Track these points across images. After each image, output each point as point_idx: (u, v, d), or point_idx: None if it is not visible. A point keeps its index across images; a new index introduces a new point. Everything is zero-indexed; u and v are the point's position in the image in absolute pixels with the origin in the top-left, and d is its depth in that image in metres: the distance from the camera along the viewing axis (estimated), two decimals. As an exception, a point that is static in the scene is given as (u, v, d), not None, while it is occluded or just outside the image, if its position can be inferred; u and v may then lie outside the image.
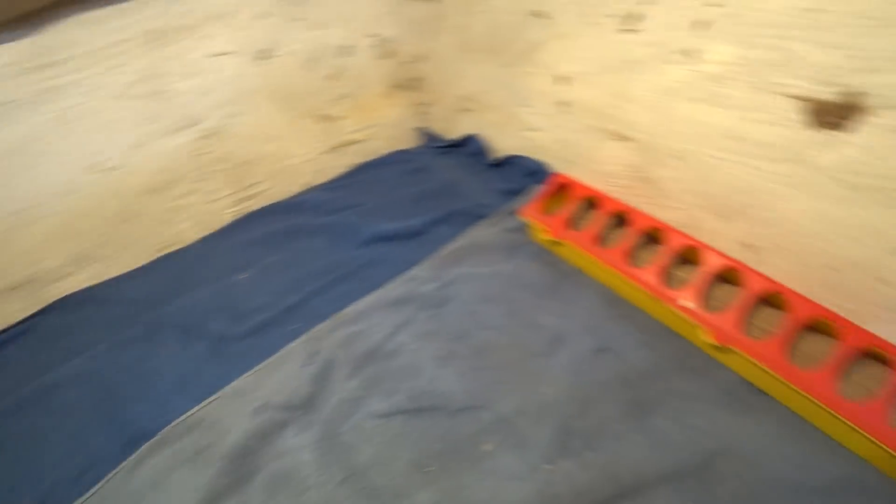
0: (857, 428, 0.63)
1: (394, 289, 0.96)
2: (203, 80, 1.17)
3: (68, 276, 1.22)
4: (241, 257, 1.16)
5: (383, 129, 1.43)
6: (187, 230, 1.30)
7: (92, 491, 0.80)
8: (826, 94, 0.69)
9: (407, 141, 1.46)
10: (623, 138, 0.97)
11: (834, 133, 0.70)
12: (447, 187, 1.21)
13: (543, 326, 0.85)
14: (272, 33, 1.20)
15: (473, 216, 1.09)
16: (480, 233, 1.05)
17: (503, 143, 1.28)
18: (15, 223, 1.12)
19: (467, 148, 1.32)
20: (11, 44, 0.98)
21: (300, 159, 1.36)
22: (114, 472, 0.82)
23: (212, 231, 1.29)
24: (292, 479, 0.74)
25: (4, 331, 1.17)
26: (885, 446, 0.61)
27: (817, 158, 0.72)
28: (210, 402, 0.87)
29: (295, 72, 1.26)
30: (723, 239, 0.88)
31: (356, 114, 1.39)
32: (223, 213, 1.31)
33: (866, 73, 0.64)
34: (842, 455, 0.67)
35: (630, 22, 0.87)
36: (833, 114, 0.70)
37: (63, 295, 1.20)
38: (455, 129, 1.41)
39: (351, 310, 0.94)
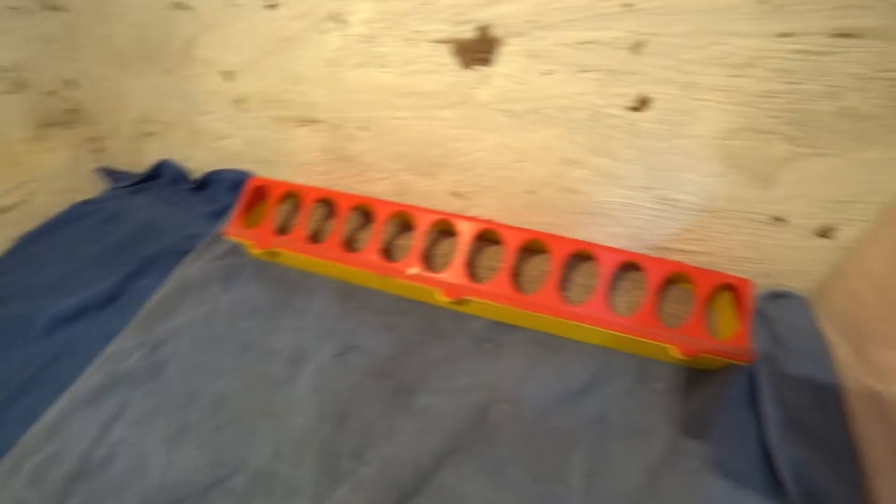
0: (589, 326, 0.68)
1: (90, 378, 0.76)
2: None
3: None
4: None
5: (45, 182, 1.13)
6: None
7: None
8: (464, 32, 0.70)
9: (86, 189, 1.19)
10: (308, 122, 0.90)
11: (484, 69, 0.71)
12: (144, 230, 1.01)
13: (279, 351, 0.75)
14: None
15: (177, 254, 0.92)
16: (187, 271, 0.89)
17: (198, 160, 1.11)
18: None
19: (162, 178, 1.12)
20: None
21: None
22: None
23: None
24: None
25: None
26: (615, 332, 0.68)
27: (479, 96, 0.74)
28: None
29: None
30: (435, 195, 0.88)
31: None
32: None
33: (488, 5, 0.66)
34: (589, 352, 0.73)
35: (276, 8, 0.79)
36: (476, 50, 0.71)
37: None
38: (142, 160, 1.19)
39: (37, 430, 0.72)
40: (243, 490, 0.64)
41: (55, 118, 1.14)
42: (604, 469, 0.63)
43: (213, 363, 0.76)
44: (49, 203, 1.15)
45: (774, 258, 0.74)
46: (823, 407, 0.65)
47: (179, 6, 0.88)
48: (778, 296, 0.76)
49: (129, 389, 0.75)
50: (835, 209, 0.66)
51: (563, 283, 0.76)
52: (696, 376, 0.70)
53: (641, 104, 0.67)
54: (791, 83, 0.58)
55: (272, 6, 0.80)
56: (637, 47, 0.63)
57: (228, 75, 0.92)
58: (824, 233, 0.70)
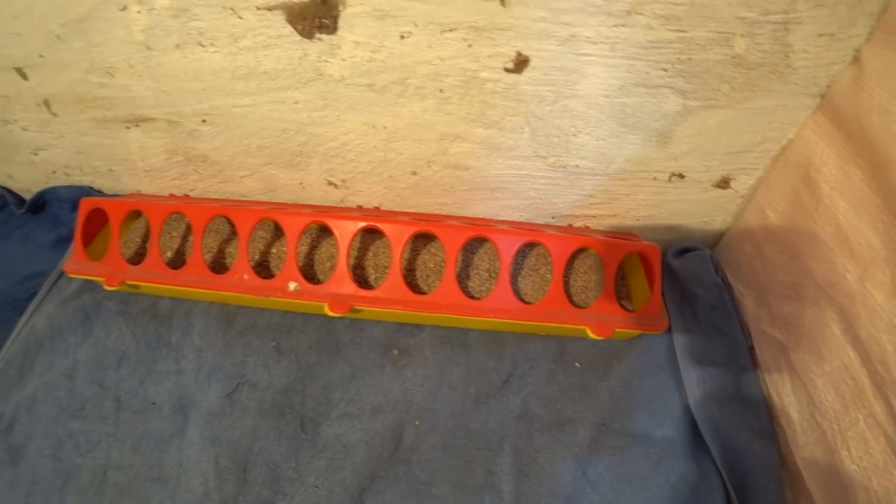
0: (495, 319, 0.63)
1: None
2: None
3: None
4: None
5: None
6: None
7: None
8: (291, -6, 0.55)
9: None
10: (138, 121, 0.74)
11: (329, 37, 0.58)
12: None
13: (161, 402, 0.66)
14: None
15: (20, 302, 0.77)
16: (34, 322, 0.74)
17: (21, 179, 0.91)
18: None
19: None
20: None
21: None
22: None
23: None
24: None
25: None
26: (524, 321, 0.63)
27: (329, 70, 0.62)
28: None
29: None
30: (309, 187, 0.78)
31: None
32: None
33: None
34: (502, 342, 0.69)
35: None
36: (315, 14, 0.58)
37: None
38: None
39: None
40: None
41: None
42: (533, 468, 0.60)
43: (86, 431, 0.65)
44: None
45: (678, 213, 0.70)
46: (735, 361, 0.65)
47: None
48: (685, 250, 0.73)
49: None
50: (730, 160, 0.62)
51: (465, 273, 0.69)
52: (615, 348, 0.68)
53: (519, 65, 0.57)
54: (678, 31, 0.50)
55: None
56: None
57: (18, 72, 0.72)
58: (722, 184, 0.65)
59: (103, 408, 0.67)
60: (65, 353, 0.72)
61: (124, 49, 0.66)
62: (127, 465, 0.63)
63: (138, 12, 0.61)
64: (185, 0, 0.59)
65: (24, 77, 0.73)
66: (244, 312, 0.73)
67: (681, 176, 0.65)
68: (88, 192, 0.87)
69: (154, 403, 0.67)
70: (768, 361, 0.62)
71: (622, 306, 0.64)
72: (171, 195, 0.83)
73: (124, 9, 0.62)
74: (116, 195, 0.86)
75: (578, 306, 0.65)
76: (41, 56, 0.69)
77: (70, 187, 0.88)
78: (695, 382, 0.63)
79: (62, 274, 0.78)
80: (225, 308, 0.73)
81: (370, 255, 0.73)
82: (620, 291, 0.70)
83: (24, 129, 0.81)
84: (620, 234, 0.73)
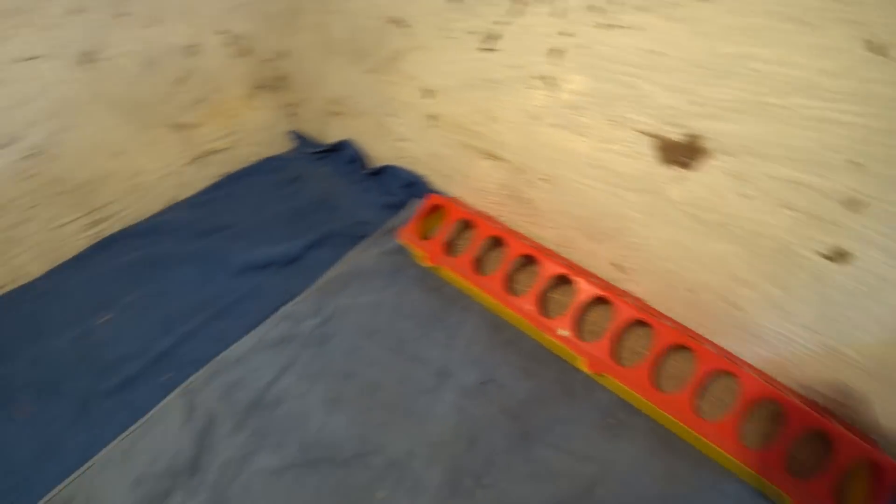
0: (711, 444, 0.72)
1: (273, 327, 0.92)
2: (15, 90, 0.99)
3: None
4: (100, 294, 1.05)
5: (249, 134, 1.31)
6: (28, 263, 1.13)
7: None
8: (672, 133, 0.73)
9: (278, 146, 1.36)
10: (493, 157, 0.97)
11: (682, 171, 0.75)
12: (323, 201, 1.16)
13: (428, 360, 0.86)
14: (93, 32, 1.02)
15: (353, 237, 1.06)
16: (360, 257, 1.02)
17: (377, 150, 1.24)
18: None
19: (342, 154, 1.26)
20: None
21: (156, 174, 1.22)
22: None
23: (60, 262, 1.13)
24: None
25: None
26: (736, 461, 0.70)
27: (669, 192, 0.78)
28: (81, 474, 0.80)
29: (133, 76, 1.10)
30: (596, 259, 0.94)
31: (215, 120, 1.26)
32: (72, 239, 1.16)
33: (705, 118, 0.68)
34: (704, 464, 0.76)
35: (490, 41, 0.85)
36: (680, 153, 0.75)
37: None
38: (327, 133, 1.34)
39: (229, 354, 0.90)
40: (379, 471, 0.76)
41: (265, 82, 1.31)
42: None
43: (371, 351, 0.89)
44: (248, 153, 1.34)
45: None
46: None
47: (397, 23, 0.97)
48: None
49: (301, 348, 0.90)
50: None
51: (700, 391, 0.79)
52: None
53: (838, 256, 0.68)
54: None
55: (488, 49, 0.86)
56: (853, 205, 0.63)
57: (427, 93, 1.01)
58: None
59: (387, 342, 0.90)
60: (374, 289, 0.97)
61: (513, 110, 0.89)
62: (390, 390, 0.85)
63: (542, 94, 0.84)
64: (583, 102, 0.80)
65: (428, 97, 1.01)
66: (509, 329, 0.92)
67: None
68: (417, 179, 1.14)
69: (423, 359, 0.88)
70: None
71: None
72: (487, 214, 1.05)
73: (533, 87, 0.85)
74: (441, 193, 1.11)
75: (791, 475, 0.70)
76: (450, 90, 0.96)
77: (410, 172, 1.16)
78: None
79: (387, 233, 1.05)
80: (496, 319, 0.93)
81: (628, 336, 0.86)
82: (835, 485, 0.70)
83: (403, 125, 1.11)
84: (862, 433, 0.75)
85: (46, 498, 0.79)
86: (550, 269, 0.87)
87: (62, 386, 0.92)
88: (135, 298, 1.03)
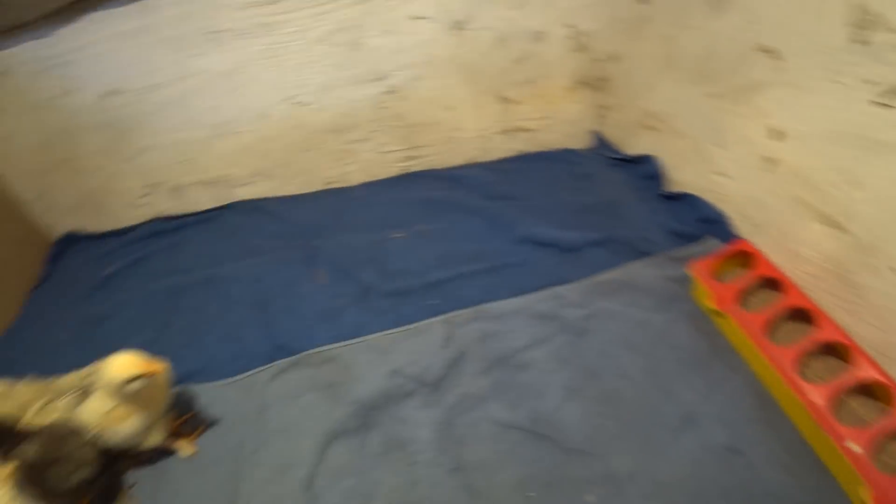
0: None
1: (539, 301, 0.97)
2: (398, 40, 1.21)
3: (249, 185, 1.36)
4: (398, 215, 1.22)
5: (558, 123, 1.39)
6: (354, 173, 1.38)
7: (239, 377, 0.94)
8: None
9: (579, 141, 1.42)
10: (833, 225, 0.87)
11: None
12: (611, 205, 1.17)
13: (679, 399, 0.82)
14: (471, 6, 1.19)
15: (634, 249, 1.05)
16: (639, 271, 1.01)
17: (682, 176, 1.20)
18: (218, 133, 1.28)
19: (641, 168, 1.25)
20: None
21: (470, 133, 1.37)
22: (258, 369, 0.94)
23: (375, 179, 1.36)
24: (406, 447, 0.80)
25: (193, 214, 1.33)
26: None
27: None
28: (348, 345, 0.95)
29: (485, 48, 1.26)
30: None
31: (535, 101, 1.37)
32: (389, 166, 1.38)
33: None
34: None
35: (891, 97, 0.75)
36: None
37: (243, 199, 1.34)
38: (632, 144, 1.34)
39: (493, 307, 0.97)
40: (595, 477, 0.75)
41: (588, 80, 1.37)
42: None
43: (623, 362, 0.88)
44: (550, 139, 1.42)
45: None
46: None
47: (768, 52, 0.91)
48: None
49: (558, 331, 0.93)
50: None
51: None
52: None
53: None
54: None
55: (884, 105, 0.76)
56: None
57: (776, 134, 0.93)
58: None
59: (641, 362, 0.88)
60: (643, 306, 0.96)
61: (889, 182, 0.77)
62: (629, 408, 0.83)
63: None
64: None
65: (774, 138, 0.93)
66: (773, 407, 0.81)
67: None
68: (719, 218, 1.06)
69: (673, 394, 0.84)
70: None
71: None
72: (792, 280, 0.94)
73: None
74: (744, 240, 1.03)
75: None
76: (806, 137, 0.87)
77: (709, 204, 1.09)
78: None
79: (672, 259, 1.03)
80: (763, 390, 0.84)
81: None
82: None
83: (726, 158, 1.05)
84: None
85: (318, 349, 0.96)
86: (866, 371, 0.75)
87: (352, 273, 1.11)
88: (425, 228, 1.18)
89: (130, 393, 0.74)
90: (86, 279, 1.33)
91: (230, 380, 0.95)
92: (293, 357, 0.95)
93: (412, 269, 1.08)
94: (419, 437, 0.81)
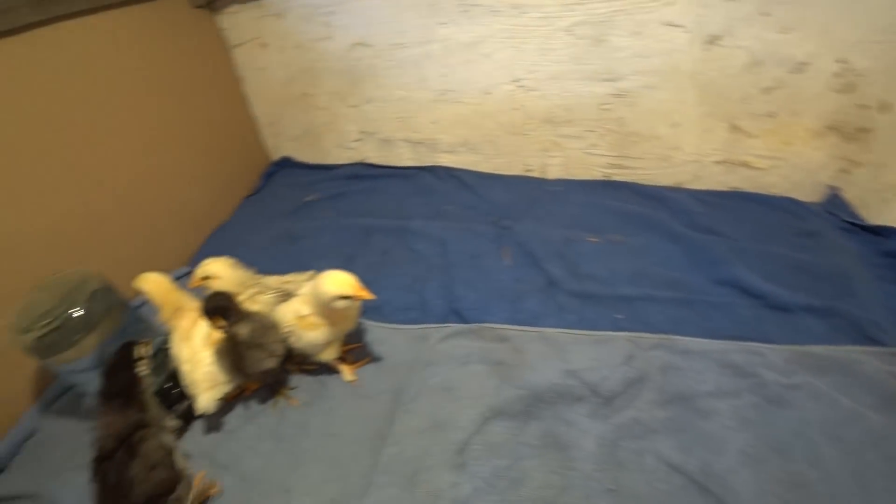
0: None
1: (734, 351, 0.89)
2: (643, 44, 1.17)
3: (453, 153, 1.42)
4: (594, 219, 1.20)
5: (790, 167, 1.25)
6: (554, 166, 1.38)
7: (410, 326, 1.00)
8: None
9: (807, 193, 1.26)
10: None
11: None
12: (838, 275, 1.02)
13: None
14: (732, 20, 1.10)
15: (860, 332, 0.91)
16: (861, 358, 0.88)
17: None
18: (440, 99, 1.36)
19: (883, 242, 1.08)
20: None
21: (687, 156, 1.29)
22: (431, 325, 0.99)
23: (573, 178, 1.34)
24: (566, 450, 0.79)
25: (394, 167, 1.43)
26: None
27: None
28: (524, 331, 0.95)
29: (734, 69, 1.16)
30: None
31: (770, 138, 1.23)
32: (591, 168, 1.35)
33: None
34: None
35: None
36: None
37: (443, 164, 1.40)
38: (877, 212, 1.16)
39: (681, 341, 0.91)
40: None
41: (843, 127, 1.19)
42: None
43: (817, 452, 0.75)
44: (774, 183, 1.28)
45: None
46: None
47: None
48: None
49: (750, 390, 0.84)
50: None
51: None
52: None
53: None
54: None
55: None
56: None
57: None
58: None
59: (849, 462, 0.76)
60: (861, 401, 0.82)
61: None
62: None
63: None
64: None
65: None
66: None
67: None
68: None
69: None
70: None
71: None
72: None
73: None
74: None
75: None
76: None
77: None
78: None
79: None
80: None
81: None
82: None
83: None
84: None
85: (494, 325, 0.97)
86: None
87: (539, 262, 1.11)
88: (621, 240, 1.14)
89: (333, 308, 0.81)
90: (290, 200, 1.50)
91: (401, 326, 1.00)
92: (467, 325, 0.98)
93: (601, 277, 1.05)
94: (581, 445, 0.79)
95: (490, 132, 1.37)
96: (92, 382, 0.77)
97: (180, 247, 1.27)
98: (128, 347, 0.74)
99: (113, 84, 1.07)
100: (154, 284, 0.85)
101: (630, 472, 0.76)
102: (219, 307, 0.80)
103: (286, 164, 1.69)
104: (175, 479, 0.70)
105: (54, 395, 0.94)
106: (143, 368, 0.73)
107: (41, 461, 0.89)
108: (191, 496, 0.72)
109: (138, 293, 0.87)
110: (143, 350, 0.75)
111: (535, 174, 1.39)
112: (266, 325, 0.85)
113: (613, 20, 1.14)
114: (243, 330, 0.81)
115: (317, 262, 1.01)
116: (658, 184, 1.29)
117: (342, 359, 0.93)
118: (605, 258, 1.08)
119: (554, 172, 1.38)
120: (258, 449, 0.83)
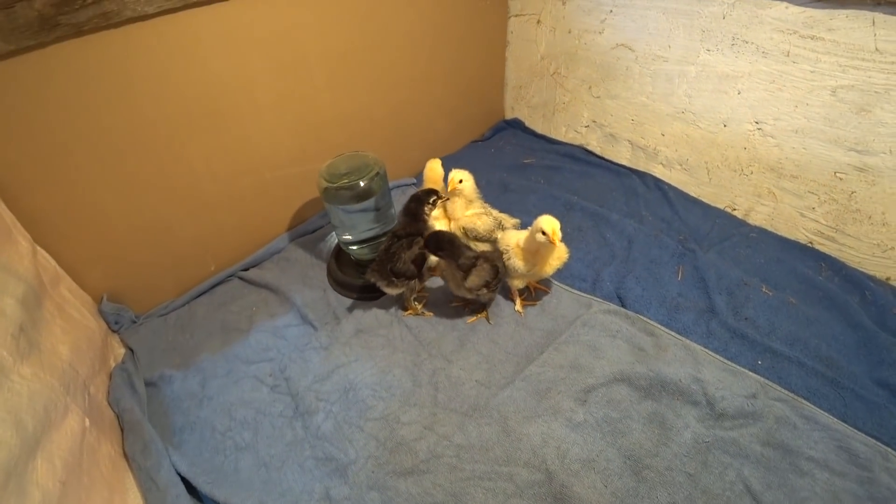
0: None
1: (860, 441, 0.90)
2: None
3: (667, 168, 1.59)
4: (777, 275, 1.27)
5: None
6: (758, 214, 1.45)
7: (584, 294, 1.24)
8: None
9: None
10: None
11: None
12: None
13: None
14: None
15: None
16: None
17: None
18: (677, 116, 1.51)
19: None
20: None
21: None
22: (597, 297, 1.22)
23: (774, 231, 1.40)
24: (666, 430, 0.95)
25: (609, 161, 1.65)
26: None
27: None
28: (670, 335, 1.12)
29: None
30: None
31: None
32: (797, 230, 1.39)
33: None
34: None
35: None
36: None
37: (653, 174, 1.58)
38: None
39: (811, 408, 0.97)
40: None
41: None
42: None
43: None
44: None
45: None
46: None
47: None
48: None
49: (859, 483, 0.88)
50: None
51: None
52: None
53: None
54: None
55: None
56: None
57: None
58: None
59: None
60: None
61: None
62: None
63: None
64: None
65: None
66: None
67: None
68: None
69: None
70: None
71: None
72: None
73: None
74: None
75: None
76: None
77: None
78: None
79: None
80: None
81: None
82: None
83: None
84: None
85: (647, 320, 1.14)
86: None
87: (708, 290, 1.22)
88: (794, 303, 1.18)
89: (535, 241, 1.06)
90: (510, 156, 1.79)
91: (573, 290, 1.24)
92: (626, 310, 1.18)
93: (759, 325, 1.14)
94: (681, 433, 0.95)
95: (711, 160, 1.49)
96: (350, 224, 1.22)
97: (415, 160, 1.64)
98: (428, 192, 1.15)
99: (411, 21, 1.49)
100: (434, 170, 1.28)
101: (710, 473, 0.90)
102: (441, 243, 1.08)
103: (516, 125, 1.98)
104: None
105: (301, 233, 1.47)
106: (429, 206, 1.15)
107: (283, 271, 1.36)
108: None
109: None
110: (432, 197, 1.16)
111: (738, 214, 1.48)
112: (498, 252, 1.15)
113: (889, 93, 1.13)
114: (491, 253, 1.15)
115: (521, 216, 1.30)
116: (863, 269, 1.29)
117: (521, 292, 1.21)
118: (771, 312, 1.16)
119: (757, 219, 1.45)
120: (439, 329, 1.18)
